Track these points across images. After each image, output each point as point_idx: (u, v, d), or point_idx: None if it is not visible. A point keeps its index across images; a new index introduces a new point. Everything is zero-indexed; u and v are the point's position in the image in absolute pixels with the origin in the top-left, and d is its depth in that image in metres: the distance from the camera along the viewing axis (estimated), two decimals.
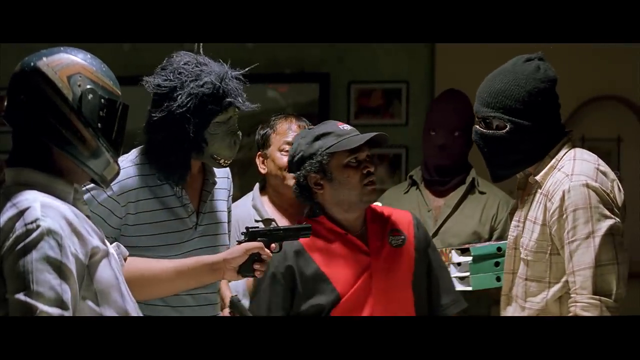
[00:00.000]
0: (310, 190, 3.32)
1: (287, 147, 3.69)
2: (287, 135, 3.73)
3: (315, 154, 3.27)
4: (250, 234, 3.04)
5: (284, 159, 3.69)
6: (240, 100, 3.13)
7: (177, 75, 3.09)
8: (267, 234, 3.06)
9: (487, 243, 3.71)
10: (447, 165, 4.17)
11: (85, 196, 2.98)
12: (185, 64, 3.12)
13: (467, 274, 3.58)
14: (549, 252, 3.04)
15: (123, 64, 5.21)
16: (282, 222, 3.74)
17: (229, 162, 3.20)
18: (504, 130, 3.09)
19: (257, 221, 3.76)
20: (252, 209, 3.81)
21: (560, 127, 3.17)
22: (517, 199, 3.26)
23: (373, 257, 3.29)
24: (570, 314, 2.96)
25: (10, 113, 2.43)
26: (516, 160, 3.14)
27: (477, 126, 3.18)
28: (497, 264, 3.54)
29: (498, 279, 3.52)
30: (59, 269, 2.28)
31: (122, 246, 2.78)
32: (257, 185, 3.89)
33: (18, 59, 2.48)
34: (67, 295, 2.28)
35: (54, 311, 2.25)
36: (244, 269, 3.00)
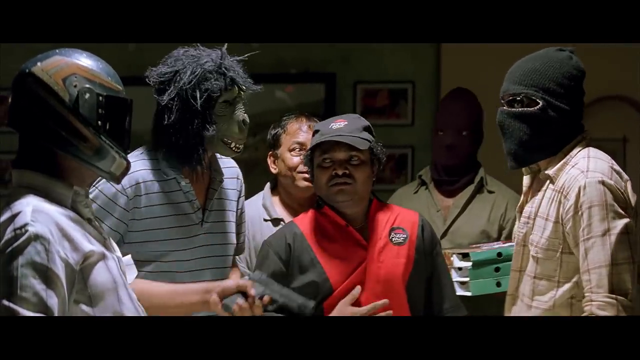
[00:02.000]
0: None
1: (297, 147, 3.71)
2: (297, 135, 3.74)
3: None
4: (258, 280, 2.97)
5: (294, 160, 3.71)
6: (242, 76, 3.20)
7: (179, 61, 3.18)
8: (267, 284, 2.95)
9: (489, 247, 3.68)
10: (455, 165, 4.16)
11: (92, 191, 3.05)
12: (184, 52, 3.21)
13: (467, 279, 3.58)
14: (560, 250, 3.00)
15: (127, 64, 5.21)
16: None
17: (241, 145, 3.22)
18: (536, 107, 3.04)
19: (265, 220, 3.78)
20: (262, 208, 3.83)
21: (581, 123, 3.14)
22: (523, 196, 3.22)
23: (370, 251, 3.28)
24: (585, 314, 2.91)
25: (13, 119, 2.45)
26: (542, 144, 3.06)
27: (504, 107, 3.11)
28: (497, 270, 3.52)
29: (498, 285, 3.50)
30: (45, 274, 2.27)
31: (133, 265, 2.78)
32: (267, 185, 3.90)
33: (23, 60, 2.48)
34: (53, 301, 2.28)
35: (38, 316, 2.25)
36: (226, 306, 2.90)
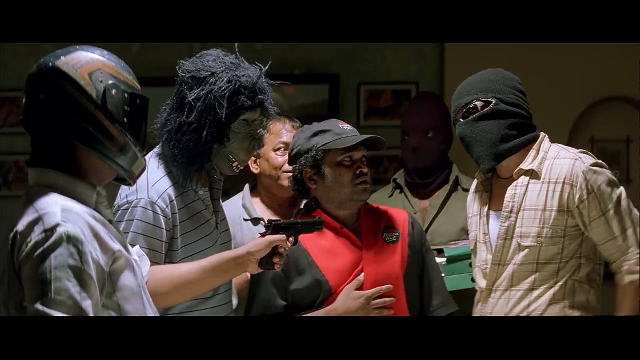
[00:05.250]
0: (305, 185, 3.34)
1: (282, 147, 3.73)
2: (281, 135, 3.75)
3: (311, 149, 3.30)
4: (274, 227, 3.07)
5: (279, 159, 3.73)
6: (270, 103, 3.17)
7: (217, 64, 3.11)
8: (287, 227, 3.10)
9: (463, 243, 3.69)
10: (425, 167, 4.18)
11: (129, 223, 3.01)
12: (224, 55, 3.16)
13: (442, 275, 3.59)
14: (564, 235, 3.21)
15: (131, 64, 5.21)
16: None
17: (241, 168, 3.21)
18: (490, 105, 3.27)
19: (245, 220, 3.80)
20: (242, 208, 3.84)
21: (532, 123, 3.35)
22: (484, 198, 3.40)
23: (366, 251, 3.31)
24: (625, 271, 3.17)
25: (30, 115, 2.38)
26: (510, 135, 3.27)
27: (460, 120, 3.32)
28: (472, 265, 3.53)
29: (474, 280, 3.51)
30: (79, 276, 2.23)
31: (145, 256, 2.77)
32: (247, 186, 3.92)
33: (27, 60, 2.46)
34: (87, 303, 2.23)
35: None
36: (266, 262, 3.05)
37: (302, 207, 3.77)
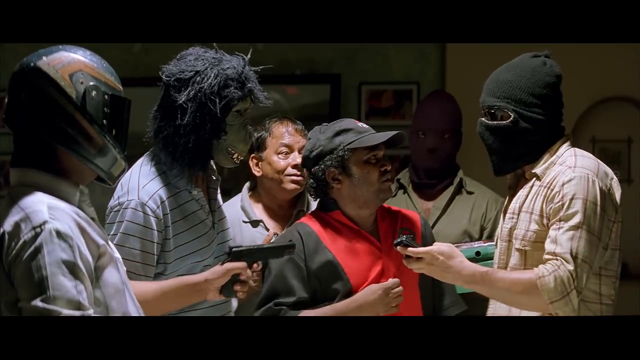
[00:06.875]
0: (327, 185, 3.32)
1: (284, 150, 3.71)
2: (283, 138, 3.73)
3: (336, 148, 3.28)
4: (233, 255, 3.03)
5: (281, 163, 3.70)
6: (259, 89, 3.17)
7: (200, 61, 3.11)
8: (250, 253, 3.06)
9: (468, 247, 3.69)
10: (437, 168, 4.19)
11: (120, 224, 3.01)
12: (204, 52, 3.16)
13: None
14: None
15: (132, 65, 5.23)
16: (270, 223, 3.75)
17: (242, 157, 3.21)
18: (508, 121, 3.12)
19: (244, 222, 3.78)
20: (241, 210, 3.82)
21: (560, 126, 3.19)
22: (507, 198, 3.28)
23: (385, 252, 3.30)
24: (547, 267, 2.96)
25: (12, 114, 2.40)
26: (519, 153, 3.15)
27: (483, 118, 3.19)
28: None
29: None
30: (73, 270, 2.25)
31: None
32: (245, 187, 3.91)
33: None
34: (84, 296, 2.26)
35: (75, 313, 2.23)
36: (226, 290, 3.01)
37: (304, 208, 3.76)
